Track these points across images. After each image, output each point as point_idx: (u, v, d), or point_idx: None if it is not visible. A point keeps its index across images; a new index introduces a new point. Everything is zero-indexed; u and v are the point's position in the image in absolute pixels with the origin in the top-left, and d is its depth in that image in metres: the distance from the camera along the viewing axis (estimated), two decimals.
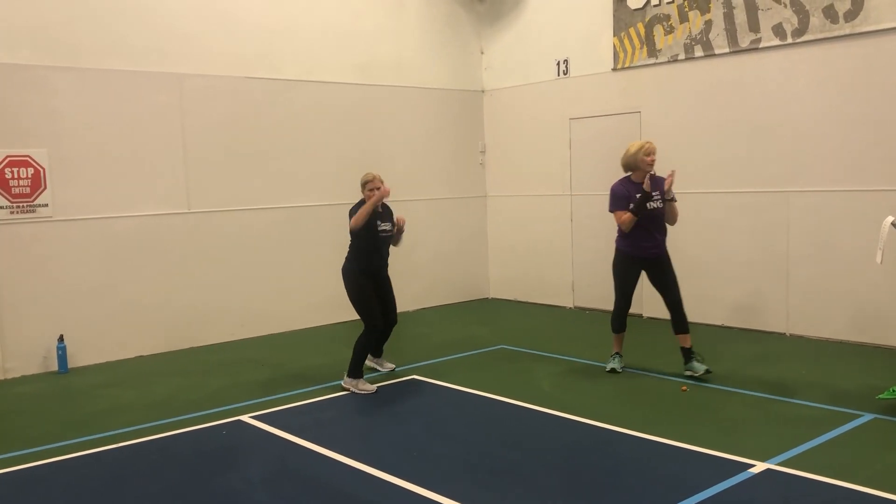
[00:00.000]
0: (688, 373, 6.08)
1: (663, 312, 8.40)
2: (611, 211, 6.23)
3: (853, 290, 7.05)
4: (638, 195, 6.03)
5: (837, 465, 4.24)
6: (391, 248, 6.47)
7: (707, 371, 6.02)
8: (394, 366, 6.70)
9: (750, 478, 4.13)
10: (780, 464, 4.29)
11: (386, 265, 6.43)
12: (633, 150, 6.14)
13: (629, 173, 6.22)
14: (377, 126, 9.29)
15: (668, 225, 6.24)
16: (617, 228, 6.24)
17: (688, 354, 6.14)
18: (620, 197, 6.16)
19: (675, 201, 6.12)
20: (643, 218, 6.06)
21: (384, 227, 6.34)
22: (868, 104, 6.86)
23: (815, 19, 7.09)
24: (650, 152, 6.10)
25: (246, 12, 8.19)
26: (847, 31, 6.91)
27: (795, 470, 4.20)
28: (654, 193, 6.02)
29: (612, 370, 6.37)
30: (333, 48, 8.90)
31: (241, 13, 8.16)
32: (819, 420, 5.03)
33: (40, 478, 4.51)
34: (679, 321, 6.16)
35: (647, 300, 8.68)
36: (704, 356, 6.18)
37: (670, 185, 6.02)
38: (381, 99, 9.33)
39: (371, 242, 6.30)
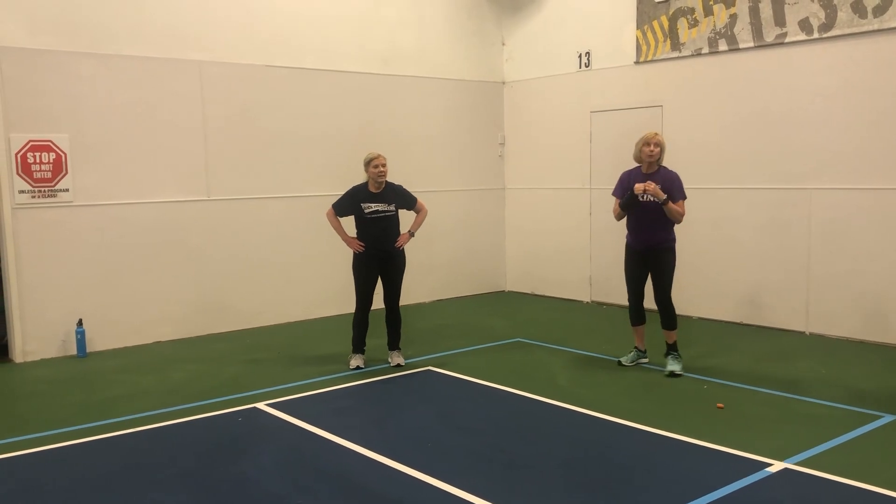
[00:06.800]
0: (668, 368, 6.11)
1: (679, 307, 8.41)
2: (613, 195, 6.25)
3: (875, 288, 6.95)
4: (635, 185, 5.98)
5: (857, 466, 4.19)
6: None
7: (672, 374, 5.99)
8: (400, 362, 6.52)
9: (767, 477, 4.09)
10: (798, 463, 4.24)
11: (393, 247, 6.37)
12: (638, 142, 6.06)
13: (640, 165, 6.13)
14: (397, 116, 9.27)
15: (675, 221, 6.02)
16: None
17: (669, 349, 6.17)
18: (618, 184, 6.20)
19: (668, 203, 5.84)
20: (639, 210, 5.98)
21: (376, 209, 6.31)
22: (895, 101, 6.74)
23: (843, 14, 6.98)
24: (648, 142, 5.95)
25: (267, 0, 8.19)
26: (875, 27, 6.79)
27: (814, 470, 4.15)
28: (642, 196, 5.86)
29: (619, 363, 6.41)
30: (354, 37, 8.87)
31: (263, 1, 8.16)
32: (838, 420, 4.97)
33: (56, 461, 4.55)
34: (662, 318, 6.15)
35: None
36: (717, 352, 6.10)
37: (655, 190, 5.79)
38: (402, 89, 9.30)
39: (361, 225, 6.37)
